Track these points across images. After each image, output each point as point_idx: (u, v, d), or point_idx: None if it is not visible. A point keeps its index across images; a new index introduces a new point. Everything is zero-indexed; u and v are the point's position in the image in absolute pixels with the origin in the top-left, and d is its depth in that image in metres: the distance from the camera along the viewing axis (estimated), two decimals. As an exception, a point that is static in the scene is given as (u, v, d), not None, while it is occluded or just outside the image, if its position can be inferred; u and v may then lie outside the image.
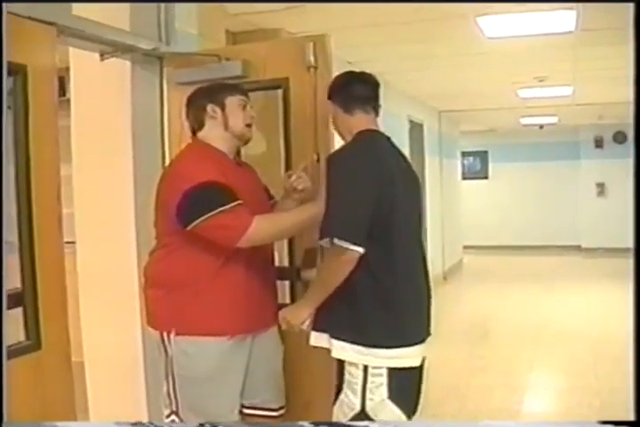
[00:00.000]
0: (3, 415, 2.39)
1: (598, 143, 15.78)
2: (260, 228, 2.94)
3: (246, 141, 3.24)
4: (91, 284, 4.02)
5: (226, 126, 3.14)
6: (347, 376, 2.92)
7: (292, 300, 3.55)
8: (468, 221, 14.56)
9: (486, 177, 17.18)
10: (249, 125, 3.19)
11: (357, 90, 3.12)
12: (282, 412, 3.37)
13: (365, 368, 2.88)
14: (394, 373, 2.88)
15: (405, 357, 2.91)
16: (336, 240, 2.78)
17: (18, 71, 2.77)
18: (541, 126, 14.52)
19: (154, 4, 3.88)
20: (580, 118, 13.95)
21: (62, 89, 4.23)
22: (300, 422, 2.71)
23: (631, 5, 2.86)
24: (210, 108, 3.14)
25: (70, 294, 3.13)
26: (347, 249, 2.78)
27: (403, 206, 2.98)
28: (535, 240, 16.02)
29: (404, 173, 3.10)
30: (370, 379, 2.88)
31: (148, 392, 3.87)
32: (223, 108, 3.14)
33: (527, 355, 6.99)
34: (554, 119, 13.51)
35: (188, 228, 2.92)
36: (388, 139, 3.16)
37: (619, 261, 13.40)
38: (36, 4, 2.88)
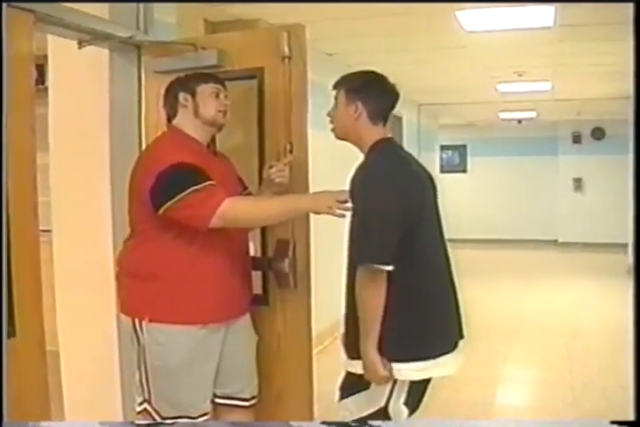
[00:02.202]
0: (2, 415, 2.38)
1: (576, 139, 15.86)
2: (232, 207, 2.92)
3: (219, 128, 3.24)
4: (66, 272, 4.02)
5: (196, 113, 3.15)
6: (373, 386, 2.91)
7: (264, 290, 3.55)
8: (446, 215, 14.56)
9: (465, 171, 17.24)
10: (222, 112, 3.19)
11: (389, 101, 3.07)
12: (254, 402, 3.38)
13: (395, 380, 2.88)
14: (416, 382, 2.91)
15: (430, 368, 2.89)
16: (375, 265, 2.77)
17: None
18: (520, 121, 14.59)
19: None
20: (559, 114, 14.01)
21: (41, 77, 4.21)
22: (313, 422, 2.72)
23: (631, 5, 2.88)
24: (181, 96, 3.17)
25: (46, 283, 3.12)
26: (378, 270, 2.77)
27: (428, 214, 3.00)
28: (512, 234, 16.10)
29: (424, 178, 3.08)
30: (397, 388, 2.89)
31: (123, 381, 3.86)
32: (194, 96, 3.15)
33: (502, 348, 7.06)
34: (532, 114, 13.56)
35: (161, 210, 2.92)
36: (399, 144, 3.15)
37: (594, 256, 13.55)
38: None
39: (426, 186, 3.05)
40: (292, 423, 2.68)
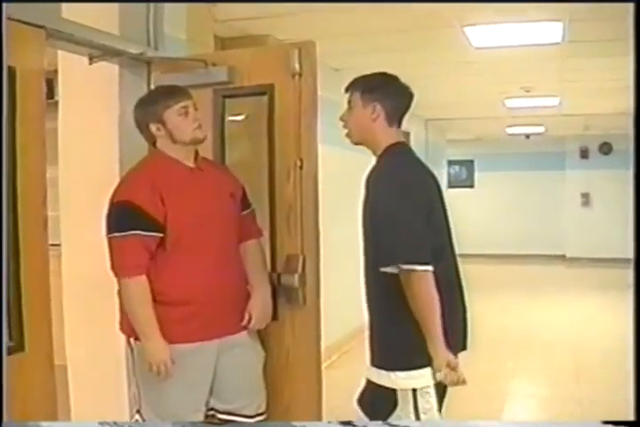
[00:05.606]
0: (2, 415, 2.39)
1: (584, 154, 15.85)
2: (127, 289, 3.06)
3: (200, 142, 3.23)
4: (75, 287, 4.02)
5: (173, 140, 3.14)
6: (400, 399, 2.85)
7: (274, 305, 3.48)
8: (453, 230, 14.54)
9: (472, 186, 17.22)
10: (198, 128, 3.16)
11: (405, 101, 3.08)
12: (259, 419, 3.33)
13: (414, 390, 2.83)
14: (438, 384, 2.86)
15: (428, 375, 2.84)
16: (408, 266, 2.71)
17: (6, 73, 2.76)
18: (528, 136, 14.57)
19: (143, 8, 3.86)
20: (566, 129, 14.00)
21: (51, 91, 4.23)
22: (328, 422, 2.68)
23: (631, 5, 2.89)
24: (153, 127, 3.14)
25: (55, 297, 3.13)
26: (423, 271, 2.72)
27: (442, 220, 3.00)
28: (520, 249, 16.05)
29: (435, 184, 3.07)
30: (420, 399, 2.83)
31: (130, 395, 3.85)
32: (164, 125, 3.12)
33: (509, 363, 7.03)
34: (540, 129, 13.56)
35: None
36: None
37: (602, 271, 13.50)
38: (27, 5, 2.87)
39: (438, 192, 3.05)
40: (294, 423, 2.64)
